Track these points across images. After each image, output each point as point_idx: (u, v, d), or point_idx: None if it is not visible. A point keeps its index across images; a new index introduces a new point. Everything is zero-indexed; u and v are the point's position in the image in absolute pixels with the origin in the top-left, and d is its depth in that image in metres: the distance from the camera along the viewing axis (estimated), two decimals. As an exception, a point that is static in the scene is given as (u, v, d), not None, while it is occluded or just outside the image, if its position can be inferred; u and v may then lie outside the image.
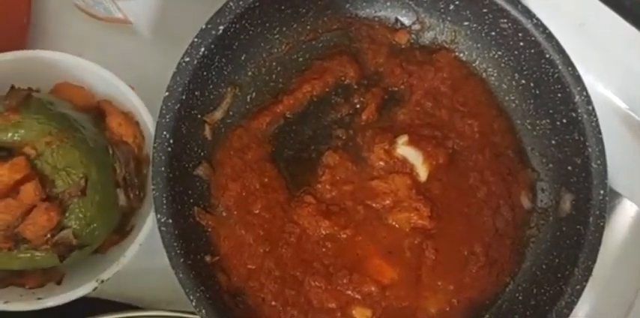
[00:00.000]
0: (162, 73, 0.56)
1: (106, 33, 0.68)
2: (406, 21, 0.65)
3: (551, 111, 0.61)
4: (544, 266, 0.60)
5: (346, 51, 0.63)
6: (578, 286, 0.56)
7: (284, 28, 0.62)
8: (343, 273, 0.58)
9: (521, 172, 0.63)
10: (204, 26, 0.56)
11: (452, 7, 0.62)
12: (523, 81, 0.63)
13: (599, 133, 0.58)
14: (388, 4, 0.64)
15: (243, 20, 0.58)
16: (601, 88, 0.65)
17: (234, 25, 0.57)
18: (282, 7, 0.60)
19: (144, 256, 0.57)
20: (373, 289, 0.58)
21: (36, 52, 0.60)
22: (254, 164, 0.59)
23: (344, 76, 0.63)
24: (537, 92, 0.62)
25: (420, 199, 0.59)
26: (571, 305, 0.56)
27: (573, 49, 0.59)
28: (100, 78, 0.60)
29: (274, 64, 0.62)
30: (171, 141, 0.55)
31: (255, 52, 0.62)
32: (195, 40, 0.56)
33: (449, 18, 0.64)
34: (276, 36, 0.62)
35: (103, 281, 0.57)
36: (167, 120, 0.55)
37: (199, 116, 0.59)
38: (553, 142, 0.62)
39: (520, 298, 0.60)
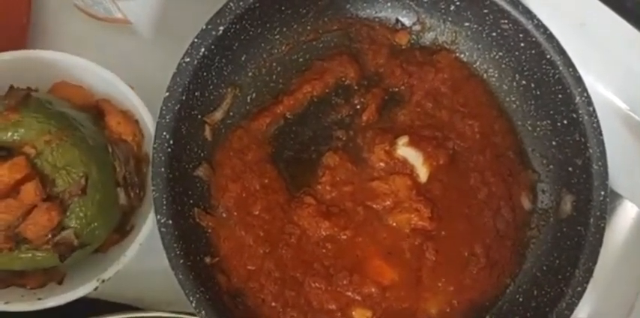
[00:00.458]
0: (163, 74, 0.56)
1: (105, 33, 0.68)
2: (407, 22, 0.65)
3: (551, 112, 0.61)
4: (545, 267, 0.60)
5: (346, 51, 0.63)
6: (578, 288, 0.56)
7: (284, 29, 0.62)
8: (343, 274, 0.58)
9: (521, 173, 0.63)
10: (204, 27, 0.56)
11: (452, 7, 0.62)
12: (524, 82, 0.63)
13: (600, 134, 0.58)
14: (389, 4, 0.64)
15: (243, 21, 0.58)
16: (602, 89, 0.64)
17: (234, 26, 0.57)
18: (283, 8, 0.60)
19: (144, 256, 0.57)
20: (373, 290, 0.58)
21: (35, 51, 0.60)
22: (254, 165, 0.59)
23: (344, 77, 0.62)
24: (538, 93, 0.62)
25: (420, 200, 0.59)
26: (572, 307, 0.56)
27: (574, 49, 0.59)
28: (99, 78, 0.60)
29: (274, 64, 0.62)
30: (171, 142, 0.55)
31: (256, 52, 0.62)
32: (196, 40, 0.56)
33: (449, 19, 0.64)
34: (277, 36, 0.62)
35: (104, 281, 0.57)
36: (167, 120, 0.55)
37: (199, 117, 0.59)
38: (554, 143, 0.62)
39: (520, 299, 0.60)
